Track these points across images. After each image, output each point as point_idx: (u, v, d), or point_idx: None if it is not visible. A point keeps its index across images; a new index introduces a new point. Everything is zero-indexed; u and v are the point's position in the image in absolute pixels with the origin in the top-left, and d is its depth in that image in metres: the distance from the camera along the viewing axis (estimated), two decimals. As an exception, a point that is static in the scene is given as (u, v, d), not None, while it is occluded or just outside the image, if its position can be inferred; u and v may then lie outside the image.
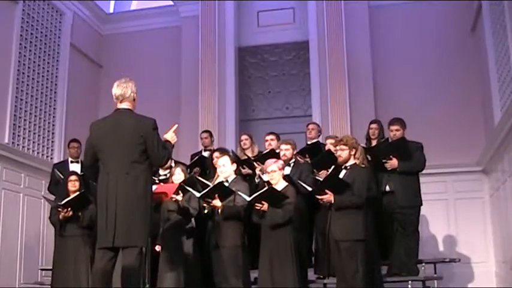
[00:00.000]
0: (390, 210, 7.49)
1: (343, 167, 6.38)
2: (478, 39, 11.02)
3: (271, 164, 6.75)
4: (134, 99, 5.35)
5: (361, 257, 6.01)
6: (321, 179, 6.62)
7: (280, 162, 6.93)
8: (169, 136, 5.52)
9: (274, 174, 6.66)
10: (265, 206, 6.46)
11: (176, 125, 5.66)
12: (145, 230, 5.06)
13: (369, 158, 7.38)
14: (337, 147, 6.45)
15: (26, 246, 9.87)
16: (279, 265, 6.40)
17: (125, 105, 5.30)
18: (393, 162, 7.40)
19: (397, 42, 11.65)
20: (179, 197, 6.71)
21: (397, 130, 7.58)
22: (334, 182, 6.27)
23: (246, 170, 7.93)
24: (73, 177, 7.70)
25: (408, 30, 11.66)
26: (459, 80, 11.20)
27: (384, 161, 7.44)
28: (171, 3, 12.78)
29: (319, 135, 8.67)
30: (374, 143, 8.04)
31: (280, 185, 6.60)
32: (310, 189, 6.47)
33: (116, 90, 5.31)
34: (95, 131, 5.33)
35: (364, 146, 7.71)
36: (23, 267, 9.78)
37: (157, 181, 7.31)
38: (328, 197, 6.18)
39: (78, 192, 7.44)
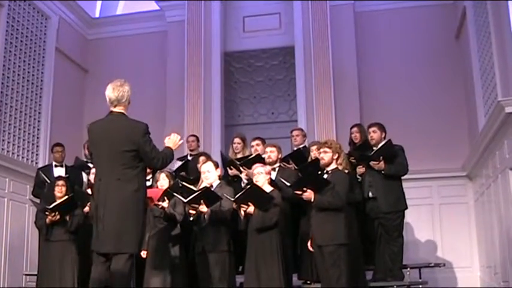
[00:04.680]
0: (374, 216, 7.52)
1: (325, 171, 6.40)
2: (462, 46, 11.10)
3: (258, 167, 6.78)
4: (129, 103, 5.29)
5: (345, 261, 6.01)
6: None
7: (268, 167, 6.95)
8: (171, 143, 5.49)
9: (260, 176, 6.67)
10: (251, 208, 6.46)
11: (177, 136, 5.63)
12: (136, 236, 5.01)
13: (353, 160, 7.49)
14: (321, 150, 6.48)
15: (10, 251, 9.79)
16: (265, 269, 6.40)
17: (118, 109, 5.23)
18: (381, 164, 7.43)
19: (382, 47, 11.71)
20: (165, 204, 6.69)
21: (374, 132, 7.70)
22: (314, 179, 6.28)
23: (233, 171, 7.94)
24: (60, 182, 7.68)
25: (393, 36, 11.73)
26: (444, 86, 11.27)
27: (372, 162, 7.47)
28: (157, 8, 12.77)
29: (304, 140, 8.69)
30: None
31: (265, 189, 6.61)
32: (288, 184, 6.47)
33: (112, 93, 5.20)
34: (91, 134, 5.33)
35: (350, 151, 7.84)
36: (7, 272, 9.69)
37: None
38: (308, 194, 6.18)
39: (67, 196, 7.42)
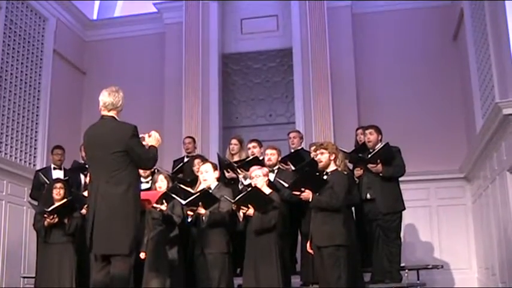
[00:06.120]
0: (372, 217, 7.53)
1: (324, 173, 6.40)
2: (459, 48, 11.11)
3: (256, 170, 6.78)
4: (121, 109, 5.30)
5: (344, 262, 6.01)
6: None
7: (265, 169, 6.95)
8: (153, 141, 5.44)
9: (258, 179, 6.68)
10: (251, 210, 6.47)
11: (157, 134, 5.53)
12: (128, 237, 4.99)
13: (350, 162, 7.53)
14: (317, 152, 6.49)
15: (8, 253, 9.77)
16: (263, 271, 6.41)
17: (111, 113, 5.23)
18: (379, 167, 7.45)
19: (380, 49, 11.72)
20: (163, 207, 6.66)
21: (370, 134, 7.73)
22: (311, 178, 6.29)
23: (230, 174, 7.94)
24: (58, 185, 7.67)
25: (391, 37, 11.73)
26: (441, 87, 11.28)
27: (370, 165, 7.49)
28: (155, 10, 12.76)
29: (301, 142, 8.70)
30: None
31: (264, 191, 6.61)
32: (286, 185, 6.47)
33: (107, 98, 5.21)
34: (85, 138, 5.35)
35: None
36: (4, 274, 9.67)
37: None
38: (307, 194, 6.18)
39: (65, 199, 7.42)
